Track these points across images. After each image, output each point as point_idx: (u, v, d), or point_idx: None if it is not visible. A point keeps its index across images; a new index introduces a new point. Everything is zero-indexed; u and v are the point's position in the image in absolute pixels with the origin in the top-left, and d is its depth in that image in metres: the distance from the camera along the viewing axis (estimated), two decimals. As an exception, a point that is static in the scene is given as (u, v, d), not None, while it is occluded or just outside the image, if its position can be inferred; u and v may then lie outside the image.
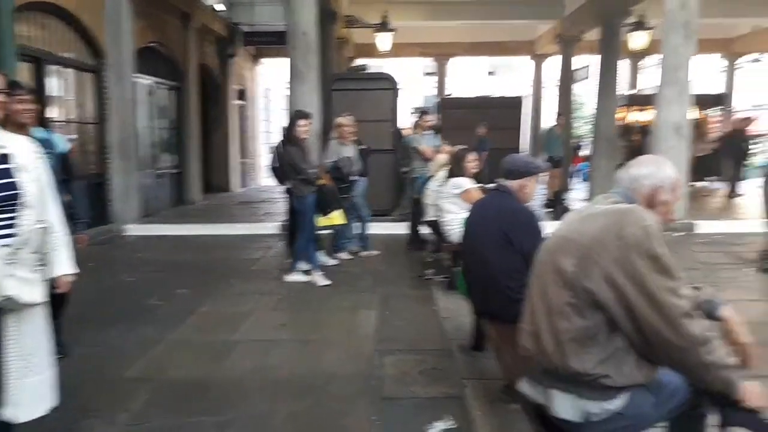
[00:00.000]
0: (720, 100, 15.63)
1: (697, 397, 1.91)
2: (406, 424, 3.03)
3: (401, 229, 7.77)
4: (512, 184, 3.02)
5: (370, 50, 14.28)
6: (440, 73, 18.65)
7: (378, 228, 7.66)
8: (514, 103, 14.97)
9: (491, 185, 3.26)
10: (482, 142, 10.97)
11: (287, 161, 5.66)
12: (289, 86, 8.13)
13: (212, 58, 13.55)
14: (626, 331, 1.72)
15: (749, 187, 11.59)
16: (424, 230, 6.67)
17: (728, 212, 10.43)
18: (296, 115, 5.84)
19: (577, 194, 12.49)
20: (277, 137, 9.23)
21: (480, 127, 11.29)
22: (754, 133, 13.64)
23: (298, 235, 5.82)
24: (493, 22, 14.19)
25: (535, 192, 3.07)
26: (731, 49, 17.10)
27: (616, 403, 1.78)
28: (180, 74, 11.59)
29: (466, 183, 4.86)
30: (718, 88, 17.84)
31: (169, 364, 3.86)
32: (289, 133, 5.71)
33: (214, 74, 13.68)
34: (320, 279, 5.72)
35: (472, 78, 26.92)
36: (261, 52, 16.21)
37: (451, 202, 4.92)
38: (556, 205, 10.19)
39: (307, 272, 5.82)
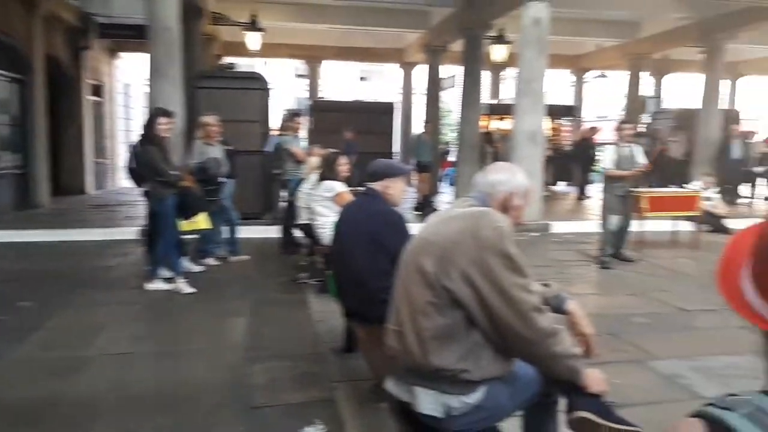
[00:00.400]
0: (571, 111, 17.12)
1: (548, 386, 2.05)
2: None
3: (273, 232, 7.62)
4: (376, 185, 3.08)
5: (239, 49, 13.87)
6: (312, 76, 18.61)
7: (249, 232, 7.46)
8: (386, 109, 15.26)
9: (361, 188, 3.29)
10: (349, 145, 11.10)
11: (145, 161, 5.32)
12: (149, 83, 7.65)
13: (63, 49, 12.40)
14: (482, 326, 1.80)
15: (594, 191, 12.82)
16: (297, 233, 6.59)
17: (578, 214, 11.47)
18: (156, 112, 5.50)
19: (444, 197, 13.04)
20: (136, 136, 8.65)
21: (347, 132, 11.42)
22: (600, 141, 15.14)
23: (158, 240, 5.48)
24: (362, 29, 14.39)
25: (402, 194, 3.15)
26: (579, 64, 18.81)
27: (475, 397, 1.85)
28: (24, 66, 10.48)
29: (337, 186, 4.87)
30: (568, 100, 19.58)
31: (4, 385, 3.46)
32: (148, 131, 5.37)
33: (64, 67, 12.54)
34: (184, 286, 5.43)
35: (344, 82, 27.18)
36: (120, 46, 15.11)
37: (323, 205, 4.90)
38: (425, 207, 10.57)
39: (169, 280, 5.50)
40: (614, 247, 7.05)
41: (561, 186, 16.00)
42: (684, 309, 5.12)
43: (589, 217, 10.44)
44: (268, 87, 9.45)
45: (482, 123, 13.90)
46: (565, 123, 16.92)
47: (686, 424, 0.79)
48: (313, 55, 17.65)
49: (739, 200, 12.64)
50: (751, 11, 11.04)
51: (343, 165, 5.03)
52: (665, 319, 4.80)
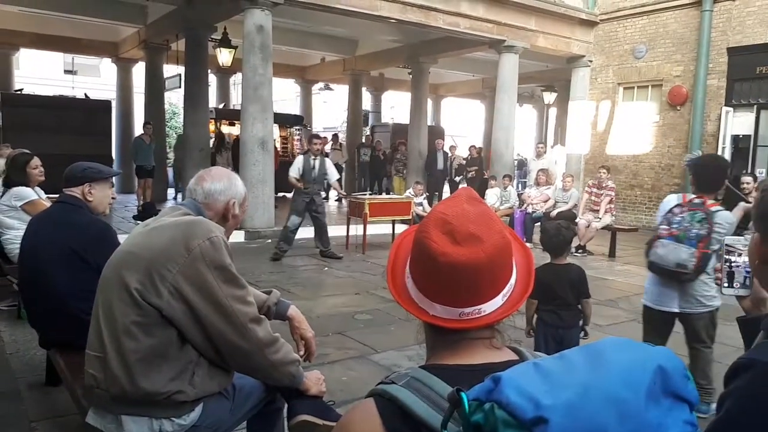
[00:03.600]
0: (300, 121, 17.69)
1: (271, 393, 2.03)
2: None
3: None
4: (74, 191, 2.69)
5: None
6: (5, 65, 15.75)
7: None
8: (103, 107, 13.74)
9: (56, 196, 2.83)
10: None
11: None
12: None
13: None
14: (196, 343, 1.69)
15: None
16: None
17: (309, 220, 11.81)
18: None
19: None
20: None
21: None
22: (327, 151, 16.07)
23: None
24: (65, 16, 12.71)
25: (107, 201, 2.79)
26: (305, 76, 19.58)
27: (192, 416, 1.74)
28: None
29: (30, 193, 4.15)
30: (298, 109, 20.24)
31: None
32: None
33: None
34: None
35: (48, 75, 23.74)
36: None
37: (12, 216, 4.14)
38: (150, 216, 9.79)
39: None
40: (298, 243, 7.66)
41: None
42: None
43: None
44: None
45: (212, 127, 13.51)
46: (295, 132, 17.42)
47: (361, 405, 0.89)
48: (5, 42, 14.95)
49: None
50: (446, 40, 12.83)
51: (37, 168, 4.31)
52: (384, 314, 5.21)
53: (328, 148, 14.60)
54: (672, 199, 3.30)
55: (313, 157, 7.52)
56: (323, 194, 8.81)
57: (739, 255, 1.31)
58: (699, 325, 3.23)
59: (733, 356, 1.02)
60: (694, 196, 3.19)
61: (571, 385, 0.70)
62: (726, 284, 1.32)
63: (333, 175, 7.82)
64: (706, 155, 4.85)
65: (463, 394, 0.71)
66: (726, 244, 1.33)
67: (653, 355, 0.76)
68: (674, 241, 3.12)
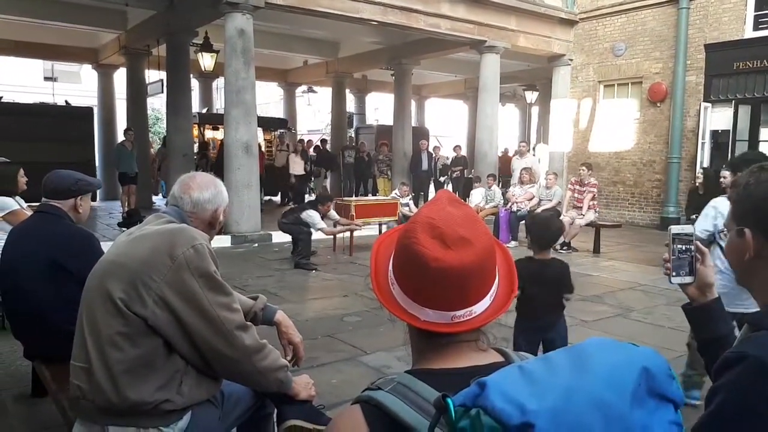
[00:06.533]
0: (284, 124, 17.64)
1: (260, 399, 2.03)
2: None
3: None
4: (64, 204, 2.67)
5: None
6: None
7: None
8: (84, 114, 13.60)
9: (36, 204, 2.80)
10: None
11: None
12: None
13: None
14: (183, 352, 1.68)
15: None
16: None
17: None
18: None
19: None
20: None
21: None
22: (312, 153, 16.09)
23: None
24: (44, 23, 12.51)
25: (88, 211, 2.77)
26: (288, 79, 19.53)
27: (180, 425, 1.72)
28: None
29: (11, 203, 4.10)
30: (282, 112, 20.18)
31: None
32: None
33: None
34: None
35: (27, 82, 23.41)
36: None
37: (-7, 227, 4.08)
38: (134, 223, 9.71)
39: None
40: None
41: (278, 197, 16.39)
42: (388, 304, 5.64)
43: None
44: None
45: (196, 132, 13.42)
46: (279, 135, 17.38)
47: (346, 411, 0.88)
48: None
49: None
50: (428, 42, 12.88)
51: (23, 177, 4.27)
52: (372, 315, 5.21)
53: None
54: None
55: None
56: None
57: (685, 243, 1.31)
58: None
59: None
60: None
61: (556, 388, 0.71)
62: (674, 273, 1.32)
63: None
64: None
65: (449, 400, 0.71)
66: (673, 234, 1.32)
67: (637, 355, 0.77)
68: None
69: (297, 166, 14.67)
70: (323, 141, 17.79)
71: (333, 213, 7.92)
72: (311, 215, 7.37)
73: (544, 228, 3.17)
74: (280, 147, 15.37)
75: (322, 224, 7.45)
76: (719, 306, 1.32)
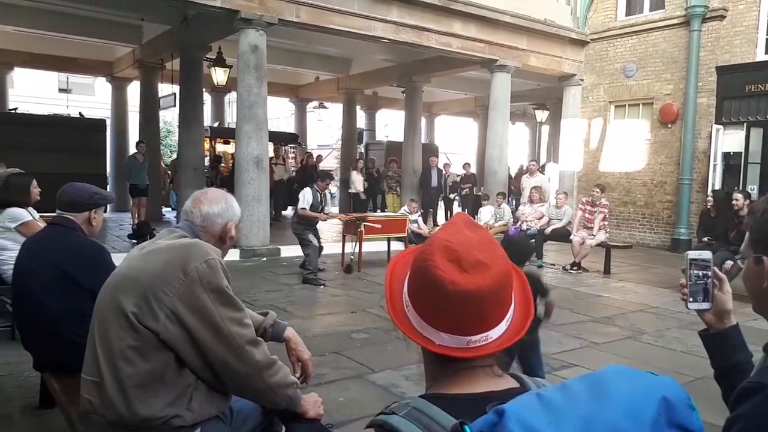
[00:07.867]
0: (295, 139, 17.74)
1: (268, 417, 2.01)
2: None
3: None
4: (78, 217, 2.69)
5: None
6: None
7: None
8: (98, 126, 13.75)
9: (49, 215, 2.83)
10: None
11: None
12: None
13: None
14: (194, 366, 1.68)
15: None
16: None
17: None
18: None
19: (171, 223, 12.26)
20: None
21: None
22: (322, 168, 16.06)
23: None
24: (61, 36, 12.71)
25: (101, 224, 2.79)
26: (299, 95, 19.69)
27: (189, 441, 1.71)
28: None
29: (24, 214, 4.13)
30: (293, 127, 20.31)
31: None
32: None
33: None
34: None
35: (42, 94, 23.72)
36: None
37: (7, 237, 4.11)
38: (144, 235, 9.74)
39: None
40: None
41: (289, 211, 16.39)
42: (396, 321, 5.61)
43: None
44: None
45: (207, 146, 13.51)
46: (290, 150, 17.47)
47: None
48: (0, 61, 14.99)
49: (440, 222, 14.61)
50: (439, 60, 12.95)
51: (36, 188, 4.31)
52: (381, 333, 5.19)
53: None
54: None
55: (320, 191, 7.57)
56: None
57: (702, 269, 1.30)
58: None
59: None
60: None
61: (574, 417, 0.70)
62: (691, 299, 1.30)
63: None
64: None
65: (467, 428, 0.70)
66: (690, 259, 1.30)
67: (657, 385, 0.76)
68: None
69: (358, 184, 14.65)
70: (319, 156, 17.60)
71: (332, 211, 8.04)
72: (303, 193, 7.47)
73: (523, 246, 3.39)
74: (275, 161, 15.35)
75: (302, 204, 7.37)
76: (737, 333, 1.30)
